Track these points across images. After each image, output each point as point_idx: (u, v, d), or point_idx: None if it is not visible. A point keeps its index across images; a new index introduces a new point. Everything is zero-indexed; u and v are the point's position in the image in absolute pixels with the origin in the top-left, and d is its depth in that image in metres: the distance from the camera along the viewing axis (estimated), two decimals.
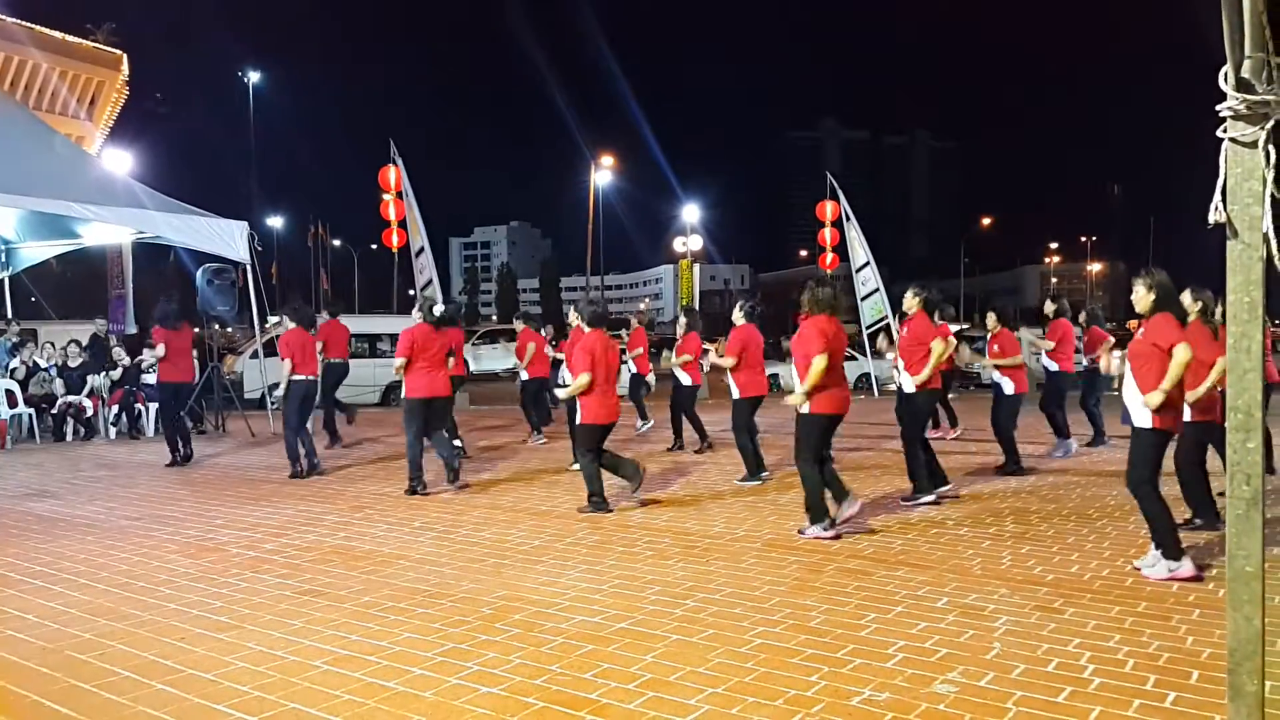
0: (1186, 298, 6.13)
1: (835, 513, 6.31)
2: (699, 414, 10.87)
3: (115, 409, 13.07)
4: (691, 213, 38.81)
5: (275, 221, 57.35)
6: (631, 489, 7.31)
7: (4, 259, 14.81)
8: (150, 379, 13.20)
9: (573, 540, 6.32)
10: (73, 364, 13.05)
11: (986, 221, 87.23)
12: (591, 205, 40.57)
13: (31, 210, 12.05)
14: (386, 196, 19.07)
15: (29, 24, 28.34)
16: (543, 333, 12.52)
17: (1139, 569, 5.27)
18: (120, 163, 21.44)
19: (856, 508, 6.34)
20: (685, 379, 10.67)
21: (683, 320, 11.11)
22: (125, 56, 32.44)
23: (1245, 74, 2.08)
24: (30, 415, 12.65)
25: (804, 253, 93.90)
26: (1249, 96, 2.07)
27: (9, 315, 14.89)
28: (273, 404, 10.02)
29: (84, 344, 13.64)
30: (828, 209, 22.03)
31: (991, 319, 9.20)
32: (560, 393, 7.44)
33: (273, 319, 11.07)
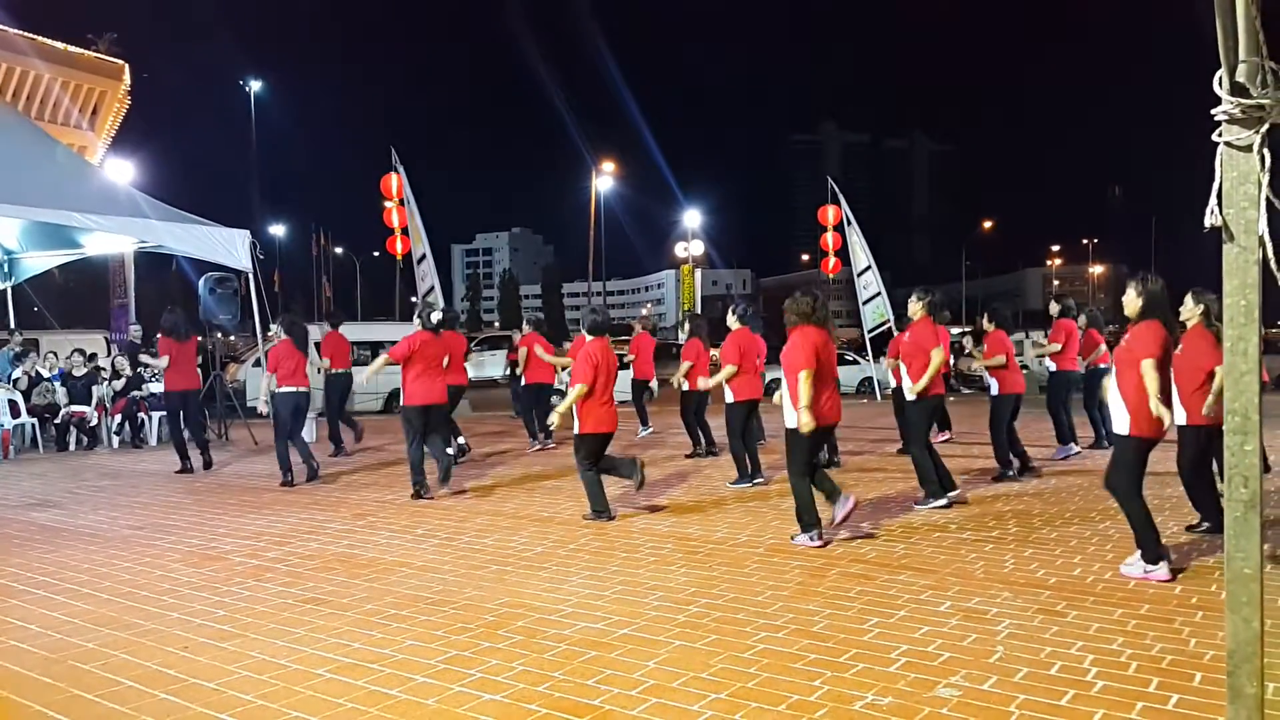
0: (1189, 301, 6.12)
1: (829, 513, 6.30)
2: (708, 420, 10.90)
3: (118, 418, 13.09)
4: (693, 218, 38.92)
5: (277, 230, 57.50)
6: (635, 486, 7.28)
7: (6, 269, 14.84)
8: (154, 388, 13.25)
9: (575, 547, 6.32)
10: (78, 373, 13.08)
11: (988, 224, 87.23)
12: (593, 211, 40.63)
13: (34, 220, 12.08)
14: (388, 204, 19.12)
15: (31, 34, 28.43)
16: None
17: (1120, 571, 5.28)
18: (122, 172, 21.49)
19: (850, 504, 6.30)
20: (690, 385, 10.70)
21: (686, 327, 11.15)
22: (127, 66, 32.53)
23: (1240, 78, 2.08)
24: (33, 425, 12.67)
25: (806, 257, 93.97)
26: (1244, 101, 2.08)
27: (11, 325, 14.92)
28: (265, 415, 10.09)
29: (89, 354, 13.68)
30: (829, 213, 22.04)
31: (983, 320, 9.22)
32: (556, 409, 7.36)
33: (275, 327, 11.13)
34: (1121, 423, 5.27)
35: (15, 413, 12.42)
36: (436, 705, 3.62)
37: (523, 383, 12.27)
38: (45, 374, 13.19)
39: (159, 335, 10.70)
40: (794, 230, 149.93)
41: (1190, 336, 5.90)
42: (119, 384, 13.17)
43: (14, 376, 12.75)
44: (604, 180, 41.28)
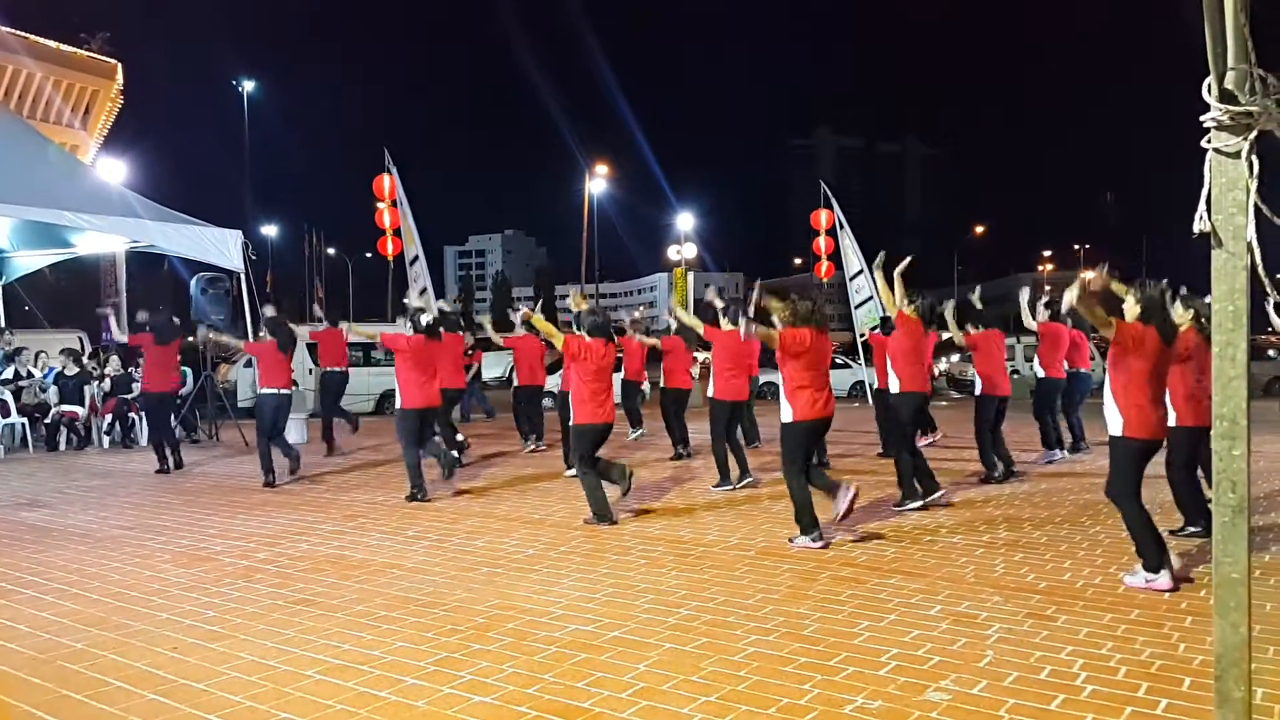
0: (1178, 308, 6.17)
1: (832, 508, 6.32)
2: (687, 421, 10.90)
3: (109, 418, 13.04)
4: (686, 221, 38.95)
5: (269, 230, 57.35)
6: (621, 491, 7.30)
7: None
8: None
9: (566, 549, 6.32)
10: (69, 373, 13.03)
11: (980, 229, 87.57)
12: (586, 213, 40.66)
13: (25, 219, 12.04)
14: (381, 205, 19.06)
15: (23, 33, 28.35)
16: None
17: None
18: (115, 172, 21.43)
19: (850, 494, 6.30)
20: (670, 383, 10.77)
21: (673, 325, 11.17)
22: (120, 66, 32.47)
23: (1229, 85, 2.10)
24: (23, 425, 12.62)
25: (798, 261, 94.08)
26: (1232, 108, 2.09)
27: (1, 325, 14.86)
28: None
29: (82, 353, 13.64)
30: (822, 217, 22.07)
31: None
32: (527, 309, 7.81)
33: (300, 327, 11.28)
34: (1115, 424, 5.28)
35: (5, 412, 12.37)
36: (426, 707, 3.62)
37: (515, 384, 12.27)
38: (36, 373, 13.14)
39: (143, 332, 10.71)
40: (787, 234, 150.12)
41: (1180, 339, 5.92)
42: (106, 384, 13.12)
43: (5, 376, 12.69)
44: (597, 183, 41.34)
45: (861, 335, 20.37)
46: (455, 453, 10.34)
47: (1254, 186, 2.11)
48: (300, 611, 4.90)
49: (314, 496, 8.68)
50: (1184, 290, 6.38)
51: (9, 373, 12.78)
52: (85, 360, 13.55)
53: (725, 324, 8.98)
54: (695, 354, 10.55)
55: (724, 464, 8.71)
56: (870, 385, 13.79)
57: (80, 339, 16.39)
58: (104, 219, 11.32)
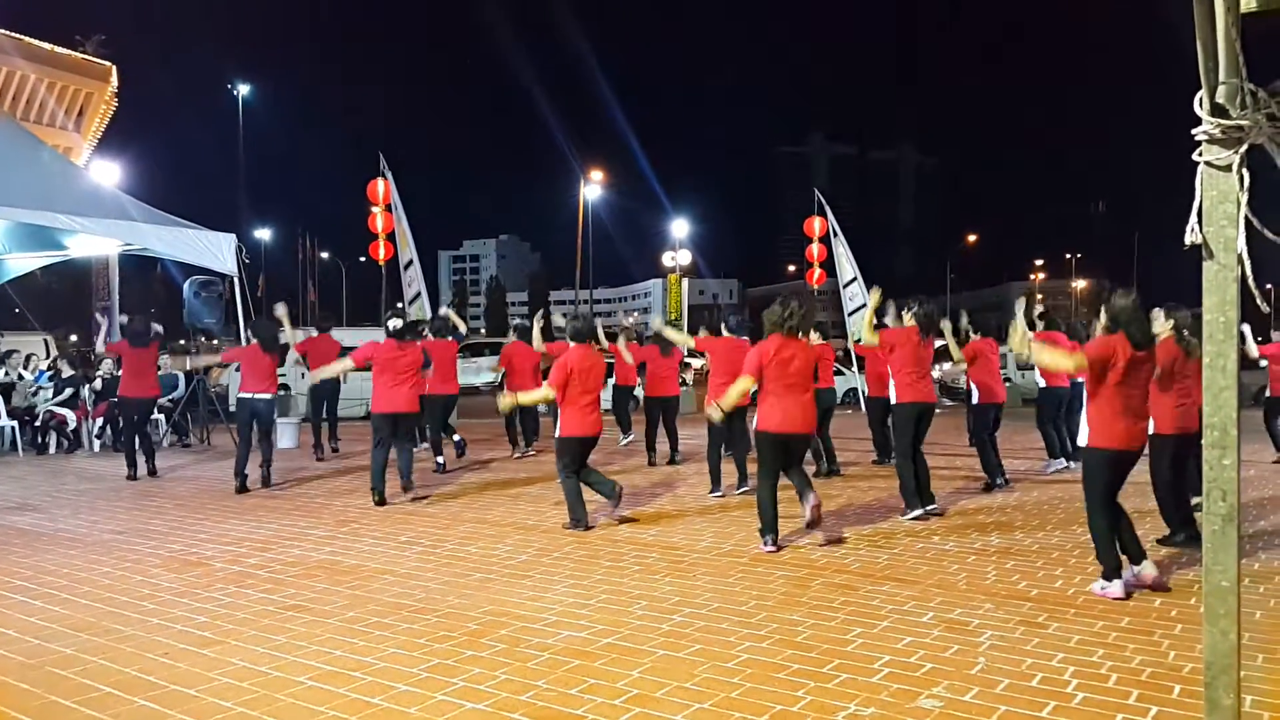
0: (1159, 316, 6.23)
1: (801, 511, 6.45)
2: (657, 429, 10.94)
3: (99, 422, 13.00)
4: (681, 227, 39.02)
5: (263, 234, 57.29)
6: (611, 506, 7.31)
7: None
8: None
9: (559, 555, 6.31)
10: (64, 375, 12.99)
11: (973, 238, 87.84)
12: (581, 219, 40.68)
13: (17, 221, 12.00)
14: (375, 209, 19.05)
15: (16, 35, 28.26)
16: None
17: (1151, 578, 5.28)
18: (108, 174, 21.38)
19: (811, 501, 6.40)
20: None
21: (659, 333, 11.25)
22: (114, 68, 32.38)
23: (1220, 99, 2.12)
24: (13, 428, 12.57)
25: (792, 268, 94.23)
26: (1223, 121, 2.11)
27: None
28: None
29: (72, 355, 13.60)
30: (815, 224, 22.12)
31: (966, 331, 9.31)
32: (501, 400, 7.73)
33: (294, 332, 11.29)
34: (1083, 434, 5.36)
35: None
36: (419, 714, 3.61)
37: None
38: (28, 375, 13.09)
39: (120, 340, 10.73)
40: (781, 241, 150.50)
41: (1160, 350, 5.96)
42: (97, 386, 13.08)
43: None
44: (592, 188, 41.36)
45: (857, 342, 20.47)
46: (440, 459, 10.39)
47: (1245, 199, 2.13)
48: (292, 617, 4.89)
49: (306, 502, 8.66)
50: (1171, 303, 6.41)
51: (1, 375, 12.73)
52: (59, 363, 13.51)
53: (725, 331, 9.02)
54: (685, 361, 10.57)
55: (716, 471, 8.73)
56: (862, 393, 13.84)
57: (45, 341, 16.34)
58: (97, 221, 11.29)
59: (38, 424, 12.67)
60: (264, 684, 3.92)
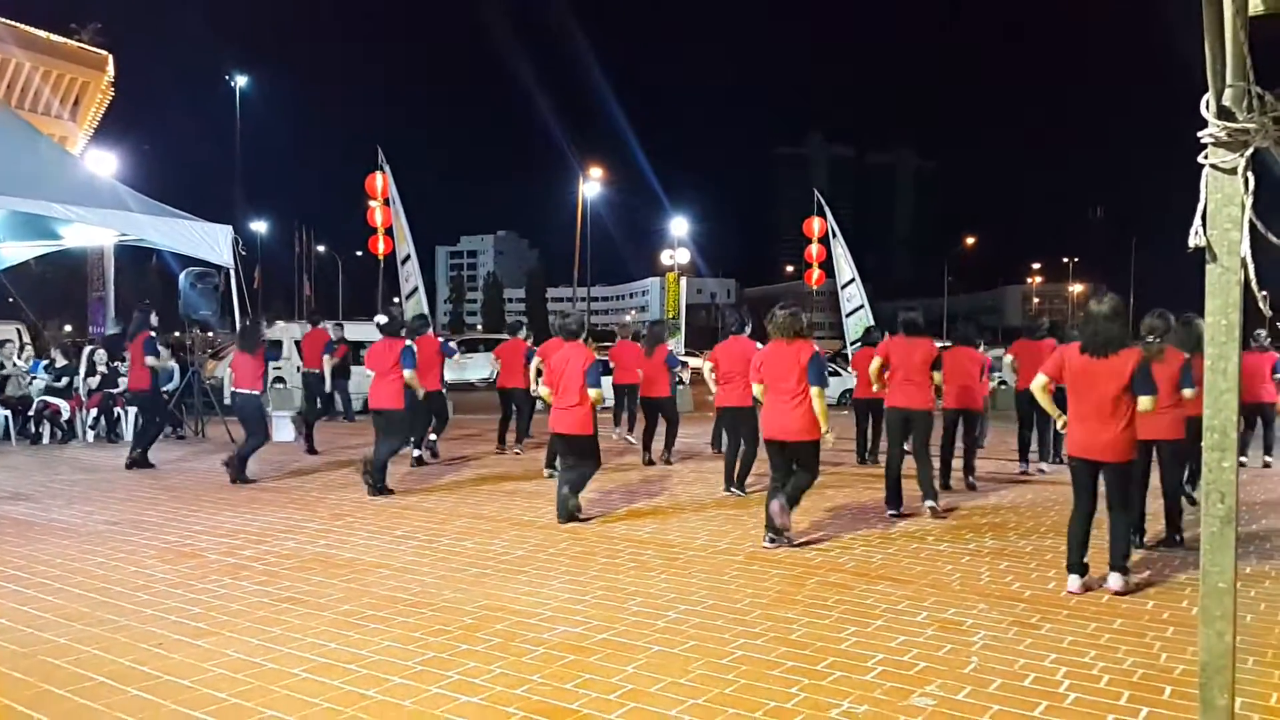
0: (1146, 323, 6.32)
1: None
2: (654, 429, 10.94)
3: (94, 412, 12.97)
4: (679, 226, 38.98)
5: (259, 226, 57.07)
6: (559, 508, 7.31)
7: None
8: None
9: (555, 551, 6.31)
10: (58, 365, 12.96)
11: (970, 241, 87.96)
12: (579, 216, 40.65)
13: (12, 210, 11.95)
14: (373, 203, 19.05)
15: (12, 22, 28.15)
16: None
17: (1114, 589, 5.31)
18: (104, 164, 21.31)
19: (772, 505, 6.40)
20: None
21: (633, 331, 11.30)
22: (111, 57, 32.28)
23: (1226, 102, 2.12)
24: (6, 418, 12.53)
25: (790, 268, 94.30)
26: (1229, 124, 2.12)
27: None
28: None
29: (66, 345, 13.56)
30: (814, 225, 22.15)
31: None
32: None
33: (280, 324, 11.37)
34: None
35: None
36: (413, 706, 3.61)
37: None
38: (21, 365, 13.05)
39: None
40: (779, 241, 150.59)
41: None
42: (94, 380, 13.05)
43: None
44: (591, 186, 41.31)
45: (854, 344, 20.48)
46: (416, 452, 10.38)
47: (1249, 202, 2.13)
48: (287, 609, 4.88)
49: (301, 495, 8.64)
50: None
51: None
52: (52, 352, 13.49)
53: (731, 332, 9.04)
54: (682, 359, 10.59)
55: (726, 468, 8.74)
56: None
57: (19, 330, 16.27)
58: (93, 211, 11.24)
59: (31, 413, 12.63)
60: (258, 675, 3.91)
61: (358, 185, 19.28)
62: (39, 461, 10.89)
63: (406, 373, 8.48)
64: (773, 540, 6.34)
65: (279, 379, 17.58)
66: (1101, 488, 5.36)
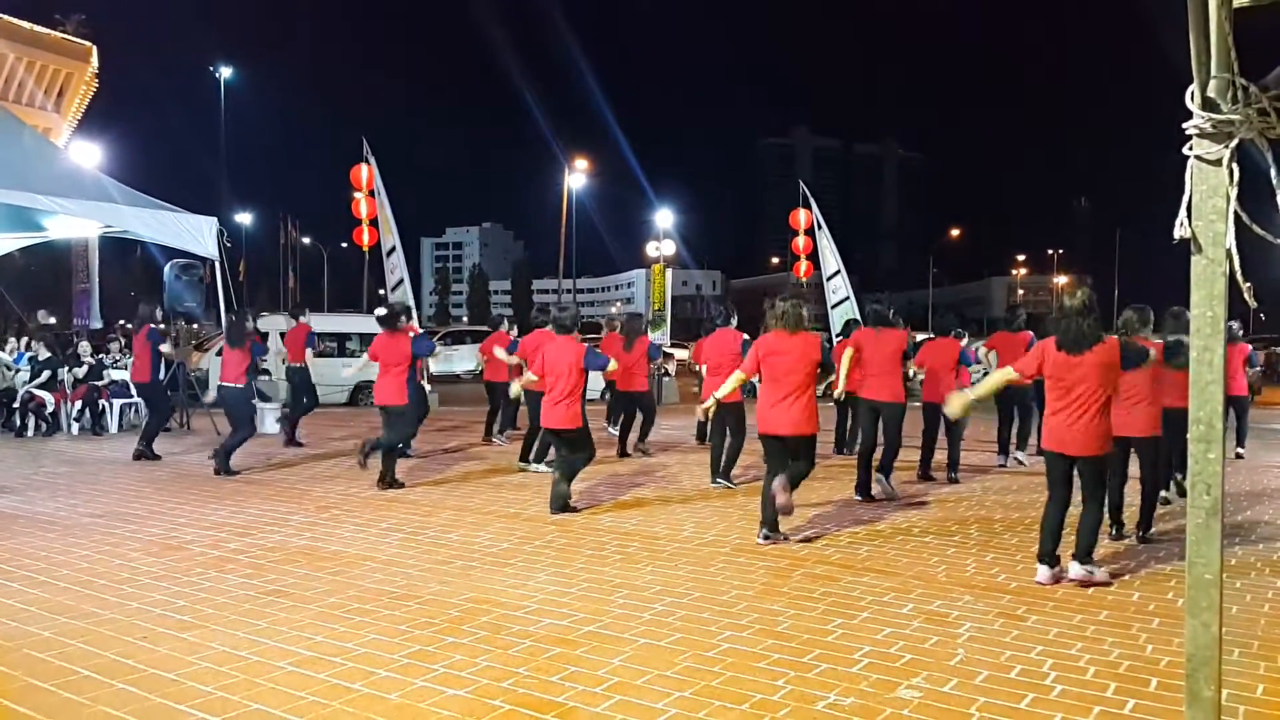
0: (1124, 316, 6.40)
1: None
2: (630, 423, 10.93)
3: (78, 405, 12.87)
4: (665, 218, 38.89)
5: (244, 218, 56.77)
6: (552, 501, 7.31)
7: None
8: (115, 375, 13.09)
9: (541, 543, 6.31)
10: (42, 358, 12.85)
11: (955, 233, 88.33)
12: (565, 208, 40.58)
13: None
14: (358, 195, 18.93)
15: None
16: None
17: (1072, 578, 5.36)
18: (88, 155, 21.12)
19: (778, 482, 6.31)
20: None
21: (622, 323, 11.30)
22: (95, 48, 32.01)
23: (1211, 93, 2.12)
24: None
25: (776, 260, 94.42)
26: (1214, 115, 2.12)
27: None
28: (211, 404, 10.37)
29: (49, 337, 13.45)
30: (800, 217, 22.15)
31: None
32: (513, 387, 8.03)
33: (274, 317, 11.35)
34: None
35: None
36: (399, 700, 3.60)
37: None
38: (6, 357, 12.95)
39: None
40: (765, 233, 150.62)
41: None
42: (80, 371, 12.95)
43: None
44: (576, 177, 41.23)
45: (839, 336, 20.52)
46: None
47: (1234, 194, 2.14)
48: (272, 602, 4.86)
49: (287, 487, 8.61)
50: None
51: None
52: (34, 344, 13.38)
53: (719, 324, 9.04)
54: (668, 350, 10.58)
55: (715, 460, 8.74)
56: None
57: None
58: (77, 203, 11.13)
59: (15, 406, 12.53)
60: (244, 668, 3.90)
61: (343, 177, 19.16)
62: (23, 454, 10.81)
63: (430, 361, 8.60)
64: (767, 537, 6.29)
65: (264, 371, 17.49)
66: (1077, 481, 5.40)
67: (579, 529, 6.77)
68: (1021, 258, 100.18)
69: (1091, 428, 5.23)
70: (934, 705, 3.57)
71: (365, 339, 17.42)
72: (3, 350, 13.17)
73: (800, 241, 22.44)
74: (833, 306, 20.64)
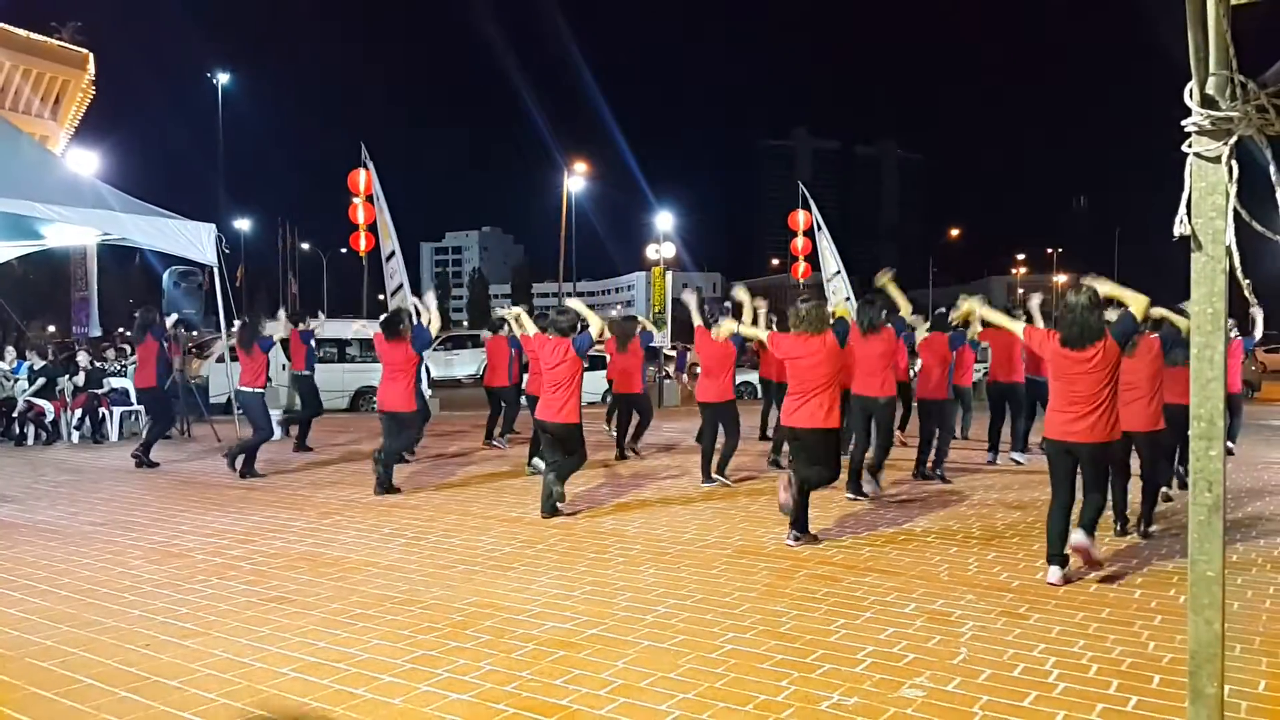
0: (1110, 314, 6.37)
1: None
2: (626, 425, 10.93)
3: (78, 413, 12.87)
4: (665, 220, 38.87)
5: (243, 224, 56.71)
6: (542, 503, 7.31)
7: None
8: (115, 383, 13.09)
9: (543, 547, 6.30)
10: (37, 367, 12.85)
11: (955, 232, 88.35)
12: (564, 211, 40.58)
13: None
14: (356, 200, 18.93)
15: None
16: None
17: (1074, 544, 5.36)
18: (86, 163, 21.10)
19: (784, 478, 6.38)
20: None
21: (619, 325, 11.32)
22: (91, 55, 32.04)
23: (1210, 90, 2.12)
24: None
25: (775, 261, 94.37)
26: (1213, 113, 2.12)
27: None
28: (238, 409, 10.29)
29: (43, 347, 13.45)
30: (800, 218, 22.17)
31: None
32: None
33: (272, 323, 11.35)
34: None
35: None
36: (403, 705, 3.60)
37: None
38: (5, 366, 12.95)
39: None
40: (765, 234, 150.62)
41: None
42: (79, 379, 12.95)
43: None
44: (575, 181, 41.23)
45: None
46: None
47: (1233, 191, 2.14)
48: (275, 609, 4.86)
49: (288, 493, 8.60)
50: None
51: None
52: (29, 354, 13.39)
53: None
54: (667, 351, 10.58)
55: (706, 460, 8.75)
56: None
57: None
58: (75, 210, 11.13)
59: (14, 415, 12.53)
60: (247, 675, 3.89)
61: (341, 182, 19.16)
62: (23, 463, 10.80)
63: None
64: (797, 538, 6.27)
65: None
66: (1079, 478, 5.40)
67: (580, 532, 6.77)
68: (1021, 257, 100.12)
69: (1094, 418, 5.25)
70: (937, 704, 3.57)
71: (364, 345, 17.47)
72: (1, 360, 13.16)
73: (799, 242, 22.46)
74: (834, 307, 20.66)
